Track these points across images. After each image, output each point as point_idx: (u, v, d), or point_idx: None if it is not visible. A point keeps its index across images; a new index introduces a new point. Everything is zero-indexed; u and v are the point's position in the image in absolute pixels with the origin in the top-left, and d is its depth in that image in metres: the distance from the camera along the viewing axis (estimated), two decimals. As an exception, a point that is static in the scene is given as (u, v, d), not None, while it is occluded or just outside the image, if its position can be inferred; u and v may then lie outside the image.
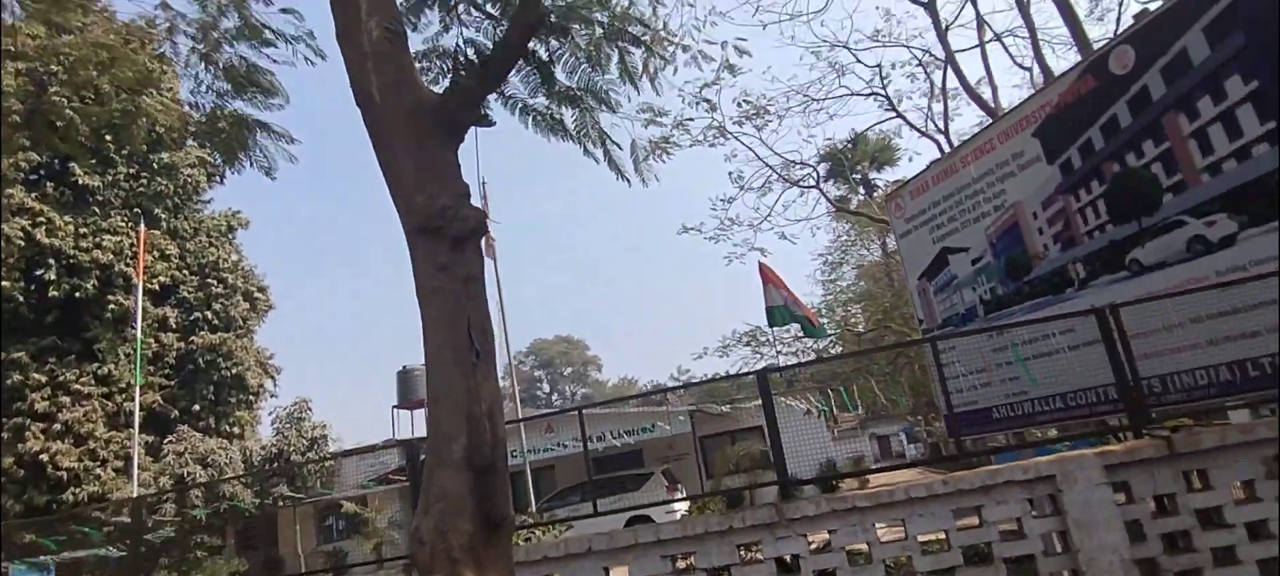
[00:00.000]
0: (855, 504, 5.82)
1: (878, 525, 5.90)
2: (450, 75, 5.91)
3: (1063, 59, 17.28)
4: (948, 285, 9.75)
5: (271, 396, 29.29)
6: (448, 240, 4.51)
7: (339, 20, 5.28)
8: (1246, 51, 6.20)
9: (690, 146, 21.41)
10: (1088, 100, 7.57)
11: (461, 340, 4.30)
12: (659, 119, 7.76)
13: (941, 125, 21.92)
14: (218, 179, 28.55)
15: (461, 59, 6.01)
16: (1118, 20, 14.97)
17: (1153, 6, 9.83)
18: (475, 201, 5.07)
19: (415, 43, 6.07)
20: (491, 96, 5.94)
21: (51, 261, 23.20)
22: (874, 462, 24.80)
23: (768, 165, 23.31)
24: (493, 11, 6.29)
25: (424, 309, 4.53)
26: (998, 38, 20.49)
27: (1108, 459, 5.46)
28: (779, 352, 27.71)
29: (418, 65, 6.00)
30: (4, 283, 21.87)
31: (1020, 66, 20.78)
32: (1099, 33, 14.39)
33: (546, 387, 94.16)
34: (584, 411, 8.47)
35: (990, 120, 14.33)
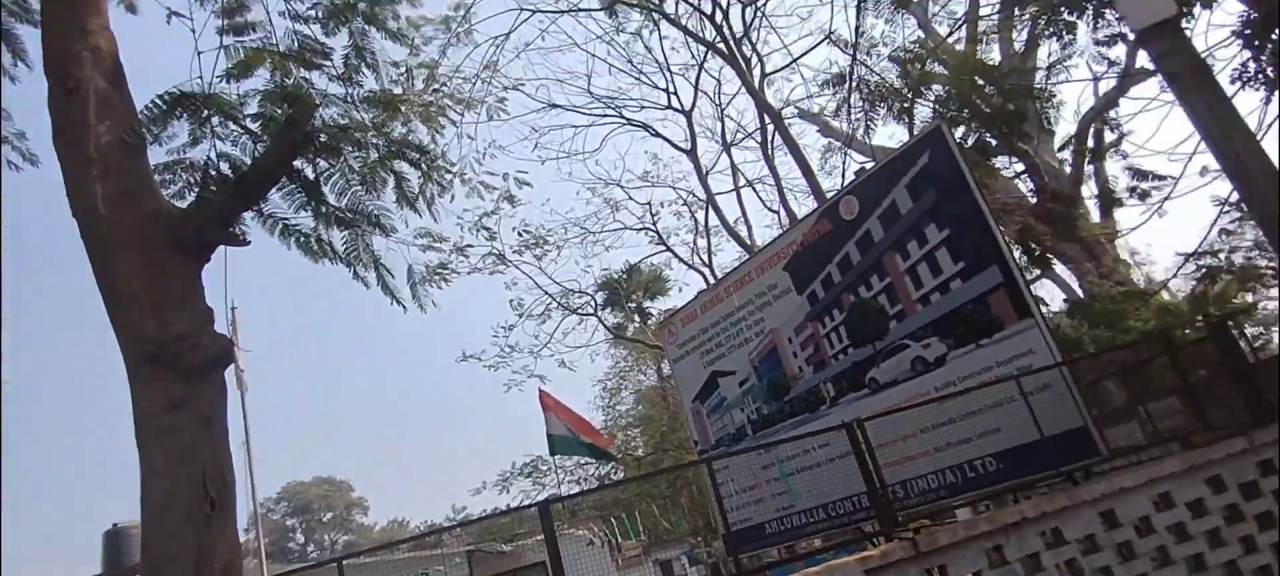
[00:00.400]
0: (643, 636, 5.67)
1: (666, 656, 5.77)
2: (198, 189, 5.33)
3: (804, 205, 19.93)
4: (719, 407, 10.31)
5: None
6: (183, 372, 3.89)
7: (57, 121, 4.60)
8: (938, 205, 7.53)
9: (469, 274, 21.21)
10: (826, 240, 8.67)
11: (193, 489, 3.65)
12: (437, 244, 7.58)
13: (706, 259, 23.99)
14: None
15: (213, 173, 5.46)
16: (842, 175, 17.78)
17: (868, 166, 11.73)
18: (222, 328, 4.49)
19: (158, 154, 5.44)
20: (248, 214, 5.43)
21: None
22: (657, 589, 24.75)
23: (547, 293, 23.71)
24: (252, 128, 5.86)
25: (145, 454, 3.81)
26: (749, 183, 23.18)
27: (867, 564, 5.89)
28: (561, 481, 27.31)
29: (159, 177, 5.36)
30: None
31: (770, 210, 23.56)
32: (829, 184, 16.86)
33: (301, 538, 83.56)
34: (345, 562, 7.52)
35: (748, 255, 15.91)
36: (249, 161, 5.45)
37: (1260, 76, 10.87)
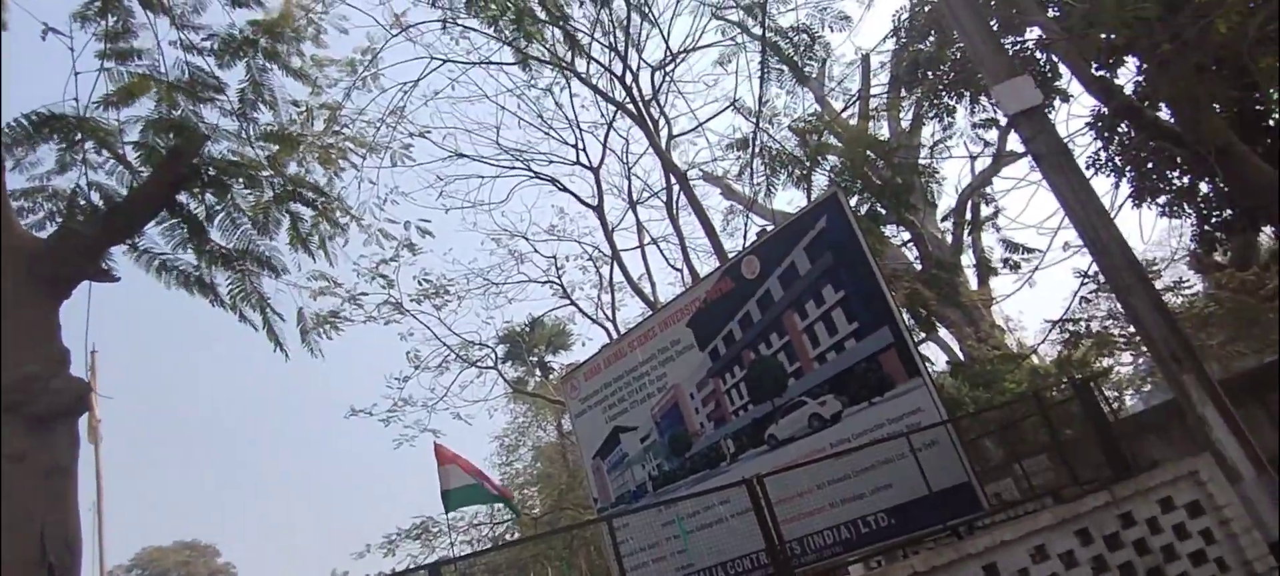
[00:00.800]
0: None
1: None
2: (62, 219, 4.88)
3: (706, 264, 20.39)
4: (620, 463, 10.19)
5: None
6: (27, 421, 3.48)
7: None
8: (835, 268, 7.85)
9: (364, 322, 20.29)
10: (728, 298, 8.85)
11: (28, 553, 3.22)
12: (332, 289, 7.24)
13: (610, 314, 23.95)
14: None
15: (81, 202, 5.04)
16: (744, 236, 18.35)
17: (769, 228, 12.16)
18: (79, 371, 4.07)
19: (18, 180, 4.98)
20: (120, 248, 5.02)
21: None
22: (552, 655, 23.85)
23: (446, 344, 22.95)
24: (131, 158, 5.47)
25: (-25, 514, 3.35)
26: (654, 241, 23.52)
27: (764, 622, 5.90)
28: (453, 543, 26.11)
29: (17, 204, 4.89)
30: None
31: (673, 267, 23.90)
32: (731, 244, 17.35)
33: (160, 610, 75.67)
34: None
35: (651, 311, 16.05)
36: (124, 192, 5.06)
37: (1110, 163, 12.12)
